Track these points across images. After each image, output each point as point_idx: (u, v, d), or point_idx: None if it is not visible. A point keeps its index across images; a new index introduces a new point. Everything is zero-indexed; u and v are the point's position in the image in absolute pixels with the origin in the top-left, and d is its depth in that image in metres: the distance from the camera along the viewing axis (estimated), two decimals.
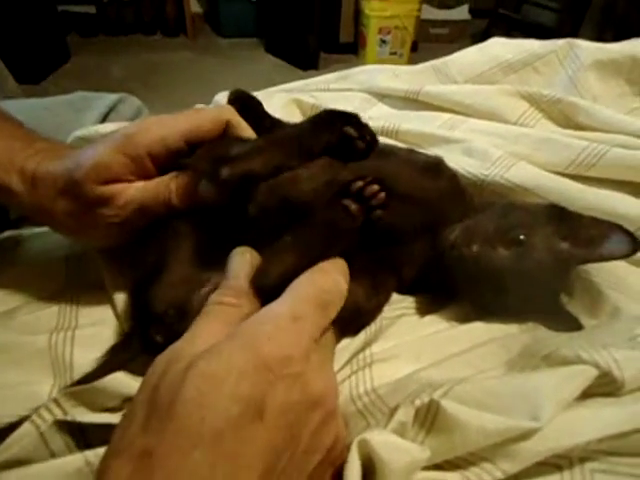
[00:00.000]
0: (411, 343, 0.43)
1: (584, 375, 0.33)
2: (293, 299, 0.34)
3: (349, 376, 0.41)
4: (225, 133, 0.46)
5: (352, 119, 0.45)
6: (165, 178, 0.44)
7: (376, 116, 0.71)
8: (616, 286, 0.46)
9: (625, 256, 0.43)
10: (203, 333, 0.33)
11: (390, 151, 0.52)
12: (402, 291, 0.49)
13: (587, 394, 0.34)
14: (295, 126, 0.49)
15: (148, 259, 0.43)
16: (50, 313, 0.47)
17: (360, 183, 0.39)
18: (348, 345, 0.42)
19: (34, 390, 0.39)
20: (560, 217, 0.45)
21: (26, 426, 0.35)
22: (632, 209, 0.49)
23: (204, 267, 0.42)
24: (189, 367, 0.28)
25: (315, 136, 0.45)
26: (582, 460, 0.33)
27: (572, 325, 0.44)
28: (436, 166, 0.50)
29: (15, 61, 1.70)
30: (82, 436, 0.36)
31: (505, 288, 0.43)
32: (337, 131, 0.44)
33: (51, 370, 0.42)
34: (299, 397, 0.29)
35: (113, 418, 0.36)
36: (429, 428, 0.33)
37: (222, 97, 0.85)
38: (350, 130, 0.44)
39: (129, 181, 0.43)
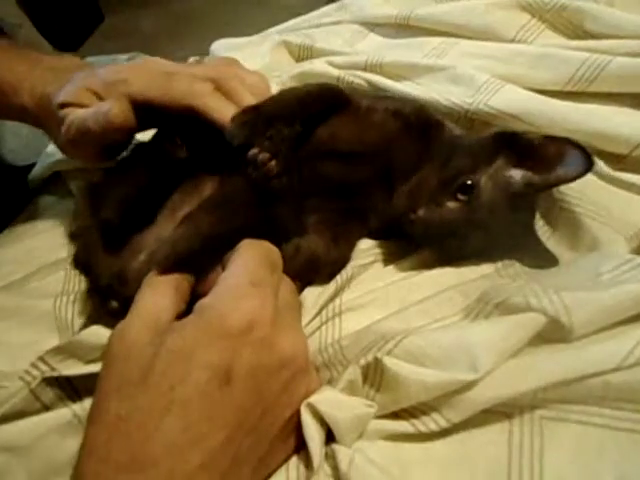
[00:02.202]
0: (378, 291, 0.42)
1: (532, 323, 0.31)
2: (246, 266, 0.35)
3: (319, 327, 0.41)
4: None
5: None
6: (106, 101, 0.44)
7: (363, 50, 0.66)
8: (597, 215, 0.41)
9: (581, 174, 0.39)
10: (152, 306, 0.34)
11: (355, 105, 0.50)
12: (376, 237, 0.47)
13: (536, 342, 0.31)
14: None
15: (85, 229, 0.45)
16: (57, 278, 0.50)
17: (255, 150, 0.41)
18: (319, 295, 0.42)
19: (42, 349, 0.41)
20: (509, 144, 0.42)
21: (17, 383, 0.38)
22: (625, 127, 0.44)
23: (139, 233, 0.43)
24: (158, 344, 0.30)
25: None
26: (532, 408, 0.31)
27: (547, 260, 0.42)
28: (389, 113, 0.48)
29: (51, 29, 1.74)
30: (71, 387, 0.38)
31: (468, 237, 0.41)
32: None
33: (57, 331, 0.46)
34: (267, 359, 0.31)
35: (94, 368, 0.37)
36: (378, 385, 0.33)
37: (218, 46, 0.84)
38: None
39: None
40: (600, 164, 0.44)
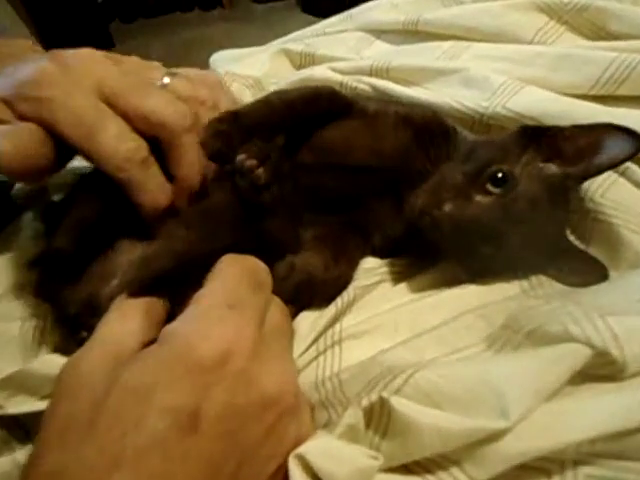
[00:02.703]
0: (385, 315, 0.37)
1: (573, 356, 0.25)
2: (224, 284, 0.30)
3: (315, 357, 0.35)
4: None
5: None
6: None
7: (369, 55, 0.62)
8: (638, 227, 0.36)
9: (631, 156, 0.34)
10: (114, 333, 0.29)
11: (361, 110, 0.45)
12: (382, 255, 0.42)
13: (579, 380, 0.25)
14: None
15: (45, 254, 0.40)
16: (27, 301, 0.44)
17: (242, 157, 0.36)
18: (316, 321, 0.36)
19: None
20: (535, 137, 0.37)
21: None
22: None
23: (110, 259, 0.38)
24: (112, 379, 0.25)
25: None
26: (576, 464, 0.25)
27: (591, 274, 0.35)
28: (400, 120, 0.43)
29: None
30: (20, 428, 0.34)
31: (498, 241, 0.35)
32: None
33: (21, 358, 0.40)
34: (244, 399, 0.26)
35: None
36: (384, 431, 0.27)
37: (218, 57, 0.81)
38: None
39: None
40: (638, 171, 0.39)
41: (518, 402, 0.24)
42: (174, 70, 0.42)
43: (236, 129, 0.38)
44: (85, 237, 0.37)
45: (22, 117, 0.34)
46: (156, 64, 0.42)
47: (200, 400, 0.24)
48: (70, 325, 0.38)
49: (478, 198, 0.36)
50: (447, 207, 0.35)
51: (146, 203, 0.36)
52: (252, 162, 0.37)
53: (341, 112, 0.44)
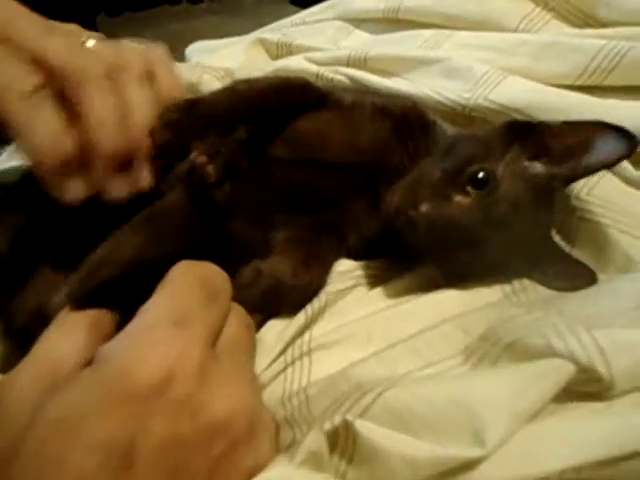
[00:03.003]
0: (358, 323, 0.34)
1: (557, 373, 0.22)
2: (172, 297, 0.26)
3: (283, 370, 0.33)
4: None
5: None
6: None
7: (347, 45, 0.59)
8: (627, 226, 0.33)
9: (622, 158, 0.32)
10: (50, 351, 0.26)
11: (336, 101, 0.42)
12: (357, 257, 0.39)
13: (563, 397, 0.23)
14: None
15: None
16: None
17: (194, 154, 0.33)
18: (284, 330, 0.34)
19: None
20: (521, 133, 0.34)
21: None
22: None
23: (60, 268, 0.35)
24: (35, 411, 0.22)
25: None
26: None
27: (577, 278, 0.33)
28: (377, 111, 0.40)
29: None
30: None
31: (478, 244, 0.33)
32: None
33: None
34: (188, 428, 0.22)
35: None
36: (350, 456, 0.24)
37: (193, 49, 0.78)
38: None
39: None
40: (628, 167, 0.36)
41: (495, 426, 0.21)
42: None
43: (191, 119, 0.34)
44: (23, 242, 0.34)
45: None
46: (93, 33, 0.37)
47: (135, 432, 0.21)
48: (18, 337, 0.35)
49: (457, 198, 0.33)
50: (424, 207, 0.33)
51: (35, 150, 0.29)
52: (201, 158, 0.34)
53: (314, 103, 0.41)
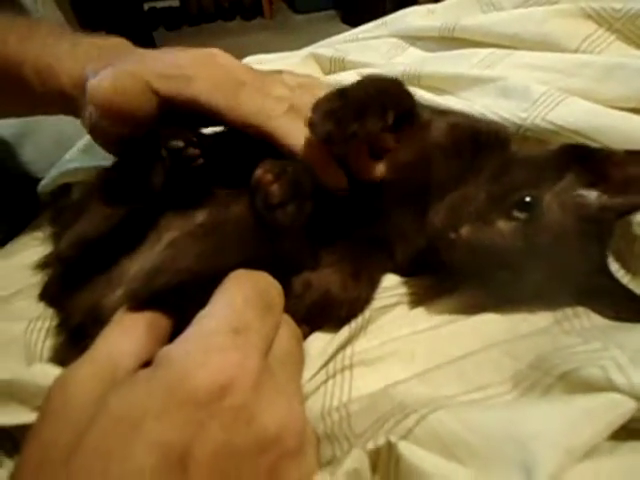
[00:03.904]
0: (401, 341, 0.33)
1: (615, 409, 0.21)
2: (230, 306, 0.26)
3: (324, 382, 0.32)
4: None
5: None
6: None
7: (401, 62, 0.59)
8: None
9: None
10: (110, 350, 0.26)
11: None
12: (403, 273, 0.38)
13: (623, 435, 0.22)
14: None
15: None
16: (36, 303, 0.43)
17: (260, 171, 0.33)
18: (329, 343, 0.33)
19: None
20: (581, 159, 0.33)
21: None
22: None
23: (117, 268, 0.35)
24: (100, 401, 0.22)
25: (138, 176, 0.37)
26: None
27: (630, 310, 0.31)
28: (451, 127, 0.40)
29: None
30: (11, 440, 0.32)
31: (519, 270, 0.31)
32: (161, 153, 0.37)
33: (24, 358, 0.38)
34: (242, 438, 0.22)
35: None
36: (394, 479, 0.24)
37: (246, 62, 0.79)
38: (174, 143, 0.36)
39: None
40: None
41: (546, 462, 0.20)
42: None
43: (346, 107, 0.34)
44: (91, 245, 0.35)
45: (159, 94, 0.36)
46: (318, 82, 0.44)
47: (192, 436, 0.21)
48: (73, 333, 0.36)
49: (500, 224, 0.32)
50: (464, 231, 0.32)
51: (293, 147, 0.36)
52: (267, 177, 0.33)
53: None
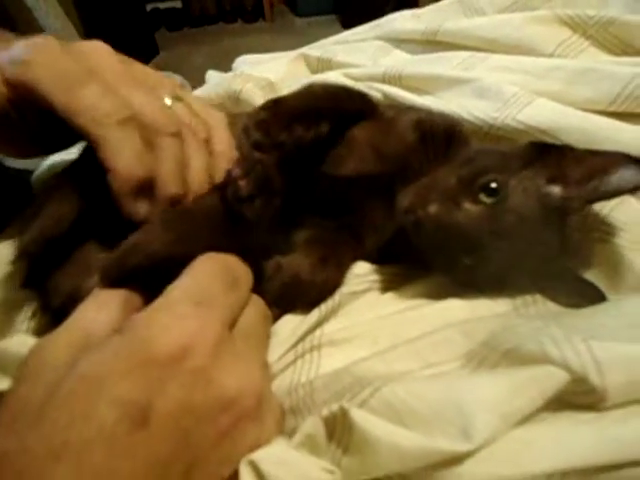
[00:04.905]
0: (368, 324, 0.35)
1: (549, 380, 0.23)
2: (195, 280, 0.29)
3: (293, 362, 0.34)
4: None
5: None
6: None
7: (384, 63, 0.61)
8: None
9: (637, 187, 0.32)
10: (85, 320, 0.29)
11: (380, 113, 0.44)
12: (374, 261, 0.40)
13: (556, 406, 0.23)
14: None
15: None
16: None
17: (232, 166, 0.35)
18: (298, 325, 0.35)
19: None
20: (544, 155, 0.35)
21: None
22: None
23: (92, 253, 0.37)
24: (71, 364, 0.24)
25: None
26: None
27: (586, 298, 0.33)
28: (410, 124, 0.42)
29: None
30: None
31: (482, 253, 0.33)
32: None
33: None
34: (200, 398, 0.24)
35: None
36: (346, 445, 0.26)
37: (241, 61, 0.81)
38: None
39: None
40: None
41: (483, 425, 0.22)
42: (181, 94, 0.40)
43: (277, 116, 0.36)
44: (57, 238, 0.36)
45: (7, 81, 0.33)
46: (170, 81, 0.40)
47: (153, 395, 0.23)
48: (54, 316, 0.38)
49: (467, 205, 0.34)
50: (432, 209, 0.34)
51: (118, 169, 0.32)
52: (237, 171, 0.36)
53: (368, 113, 0.43)
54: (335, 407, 0.25)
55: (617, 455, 0.21)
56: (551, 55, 0.52)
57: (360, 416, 0.24)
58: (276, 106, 0.37)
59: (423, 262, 0.37)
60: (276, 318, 0.35)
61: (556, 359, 0.23)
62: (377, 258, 0.40)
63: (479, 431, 0.22)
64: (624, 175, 0.31)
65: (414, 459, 0.23)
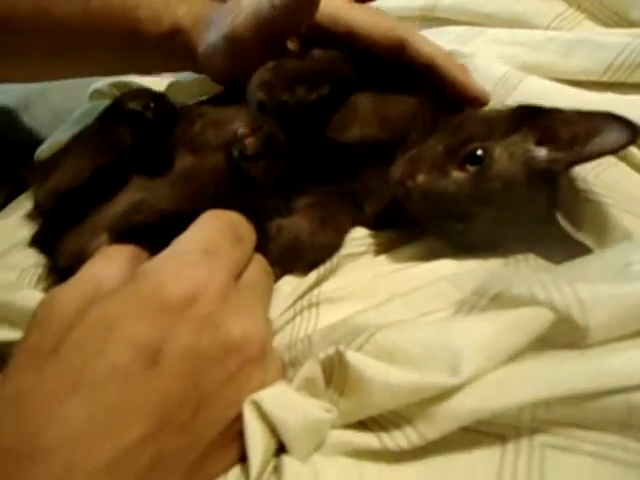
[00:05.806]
0: (363, 282, 0.36)
1: (535, 320, 0.24)
2: (202, 231, 0.30)
3: (292, 318, 0.35)
4: None
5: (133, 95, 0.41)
6: None
7: None
8: (630, 207, 0.34)
9: (623, 146, 0.33)
10: (95, 273, 0.29)
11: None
12: (372, 227, 0.41)
13: (541, 346, 0.25)
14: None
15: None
16: (32, 252, 0.46)
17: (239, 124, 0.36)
18: (298, 285, 0.36)
19: None
20: (532, 118, 0.35)
21: None
22: None
23: (99, 213, 0.38)
24: (82, 311, 0.25)
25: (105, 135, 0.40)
26: (532, 431, 0.24)
27: (575, 253, 0.34)
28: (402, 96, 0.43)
29: None
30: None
31: (471, 218, 0.34)
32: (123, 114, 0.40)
33: None
34: (208, 342, 0.25)
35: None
36: (342, 388, 0.27)
37: None
38: (132, 105, 0.40)
39: None
40: (637, 154, 0.37)
41: (471, 361, 0.23)
42: None
43: (280, 77, 0.37)
44: (68, 195, 0.38)
45: None
46: None
47: (164, 337, 0.24)
48: (61, 275, 0.39)
49: (454, 173, 0.35)
50: (420, 179, 0.35)
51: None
52: (244, 130, 0.36)
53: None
54: (331, 350, 0.27)
55: (600, 384, 0.22)
56: (546, 28, 0.53)
57: (355, 358, 0.26)
58: (278, 67, 0.38)
59: (416, 227, 0.38)
60: (277, 278, 0.36)
61: (542, 300, 0.24)
62: (374, 224, 0.41)
63: (467, 366, 0.23)
64: (609, 135, 0.32)
65: (406, 395, 0.24)
